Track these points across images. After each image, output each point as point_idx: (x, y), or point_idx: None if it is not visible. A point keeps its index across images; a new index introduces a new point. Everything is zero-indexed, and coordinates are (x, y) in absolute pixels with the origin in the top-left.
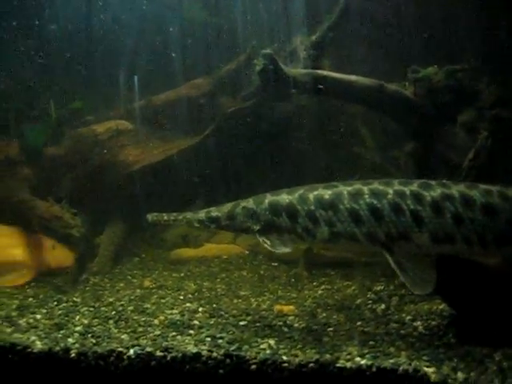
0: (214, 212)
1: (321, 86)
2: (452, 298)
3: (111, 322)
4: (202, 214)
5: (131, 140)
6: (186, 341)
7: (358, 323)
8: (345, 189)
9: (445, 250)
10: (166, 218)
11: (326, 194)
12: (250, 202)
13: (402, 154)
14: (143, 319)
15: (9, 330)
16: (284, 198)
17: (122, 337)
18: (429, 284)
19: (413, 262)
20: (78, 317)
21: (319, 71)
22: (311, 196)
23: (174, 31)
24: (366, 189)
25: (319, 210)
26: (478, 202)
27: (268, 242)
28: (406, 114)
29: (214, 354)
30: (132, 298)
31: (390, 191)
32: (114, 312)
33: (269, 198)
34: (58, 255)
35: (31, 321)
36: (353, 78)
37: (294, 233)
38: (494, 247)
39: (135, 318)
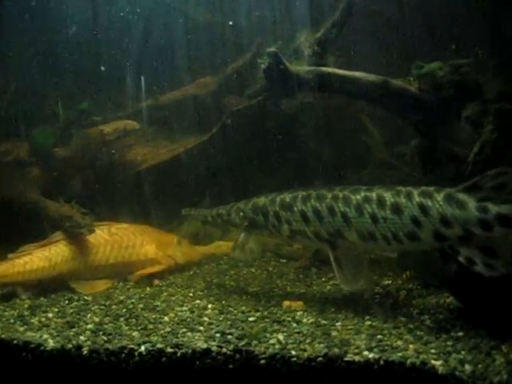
0: (220, 209)
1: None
2: (459, 292)
3: (122, 319)
4: (214, 211)
5: (139, 139)
6: (196, 337)
7: (366, 317)
8: (301, 193)
9: (371, 247)
10: (192, 212)
11: (288, 197)
12: (241, 203)
13: (408, 150)
14: (153, 316)
15: (21, 328)
16: (262, 200)
17: (133, 334)
18: (358, 283)
19: (350, 260)
20: (89, 315)
21: (323, 68)
22: (278, 199)
23: (179, 31)
24: (314, 194)
25: (281, 210)
26: (388, 201)
27: (241, 237)
28: (410, 110)
29: (224, 350)
30: (142, 295)
31: (329, 195)
32: (124, 310)
33: (253, 200)
34: (186, 251)
35: (43, 319)
36: (357, 74)
37: (267, 229)
38: (408, 243)
39: (146, 315)
